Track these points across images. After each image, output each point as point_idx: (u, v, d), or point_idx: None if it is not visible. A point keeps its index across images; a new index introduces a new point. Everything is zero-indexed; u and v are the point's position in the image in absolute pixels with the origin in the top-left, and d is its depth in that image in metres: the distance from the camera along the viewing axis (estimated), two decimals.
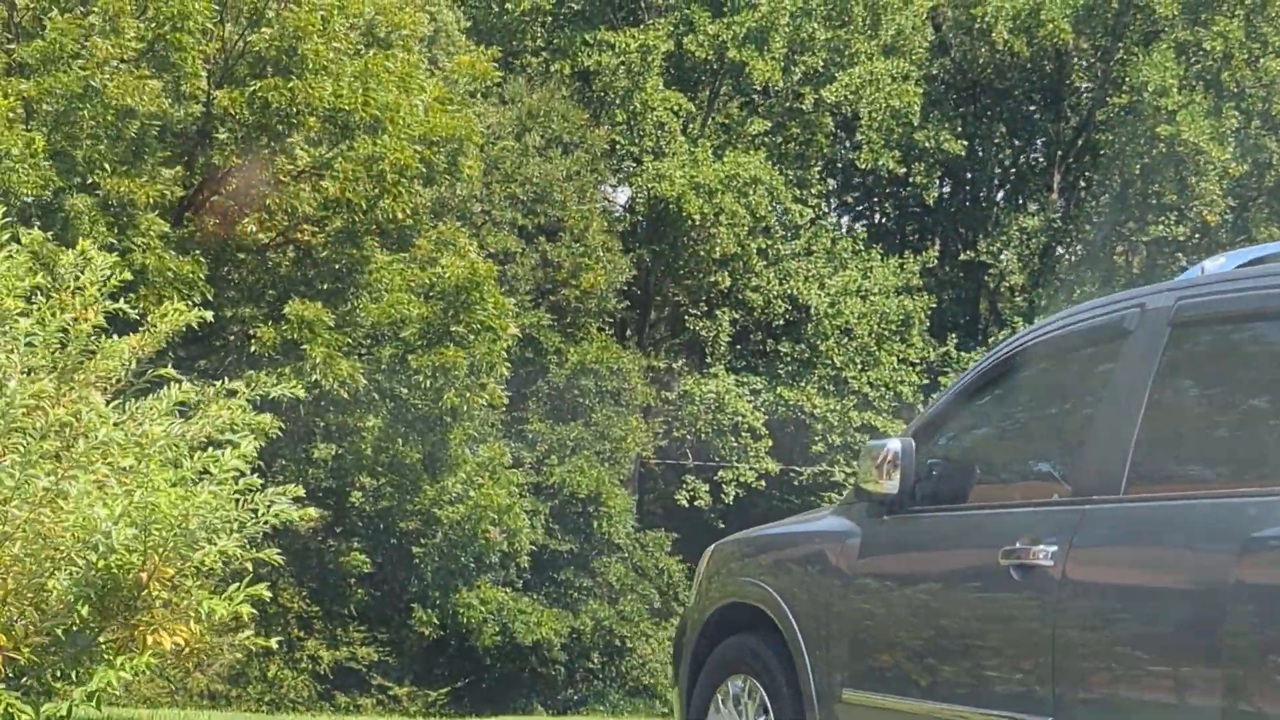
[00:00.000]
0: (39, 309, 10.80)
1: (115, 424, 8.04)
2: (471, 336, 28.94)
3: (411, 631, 33.88)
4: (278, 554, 8.06)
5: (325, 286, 28.70)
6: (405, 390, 29.04)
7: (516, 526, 31.86)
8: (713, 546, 8.38)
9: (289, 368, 25.57)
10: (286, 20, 27.45)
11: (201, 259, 26.93)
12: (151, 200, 26.01)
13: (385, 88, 28.33)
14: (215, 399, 10.52)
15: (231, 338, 30.00)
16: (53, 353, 10.58)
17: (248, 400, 10.72)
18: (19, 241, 11.36)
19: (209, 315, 11.25)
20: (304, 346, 26.80)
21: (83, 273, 11.41)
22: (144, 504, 7.62)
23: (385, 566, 33.49)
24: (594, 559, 37.60)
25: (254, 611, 7.77)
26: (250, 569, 8.06)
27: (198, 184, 29.43)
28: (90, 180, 25.87)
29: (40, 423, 7.84)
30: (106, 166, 26.01)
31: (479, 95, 37.67)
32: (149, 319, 11.63)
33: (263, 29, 27.92)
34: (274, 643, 8.61)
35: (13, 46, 26.92)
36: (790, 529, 8.13)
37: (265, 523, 8.14)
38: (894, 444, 6.87)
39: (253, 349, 27.35)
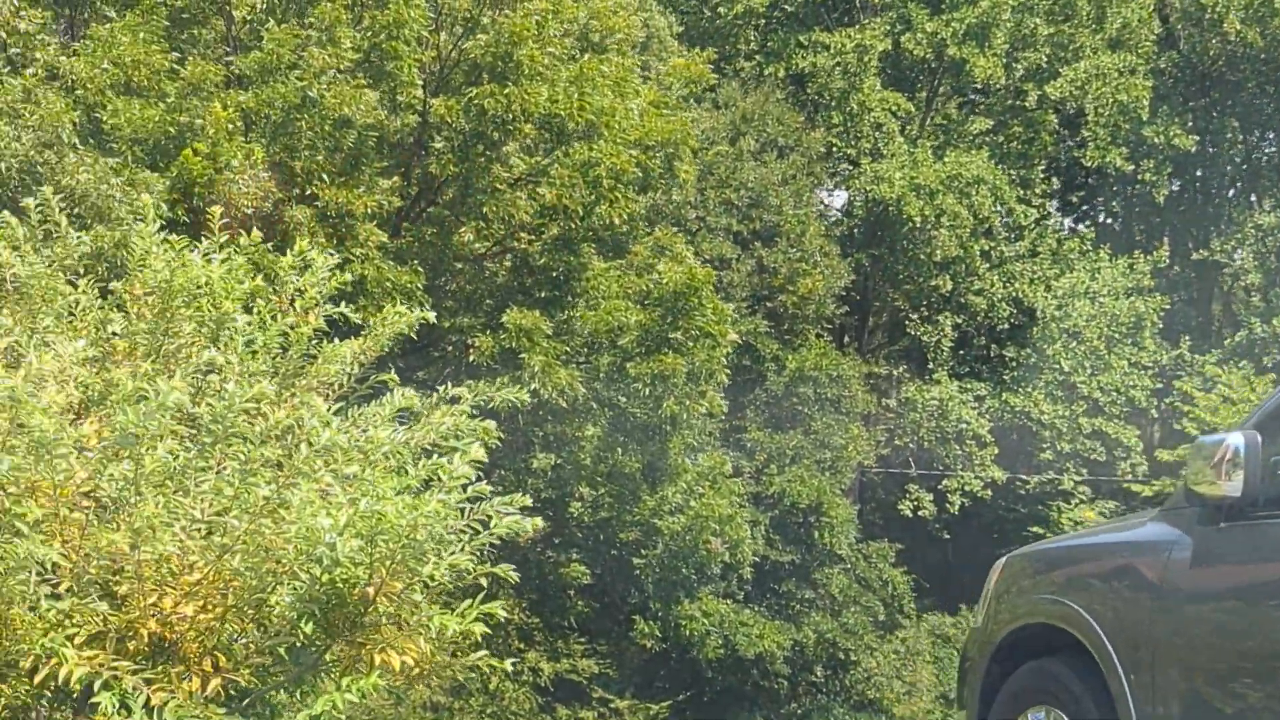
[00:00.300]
0: (258, 313, 10.41)
1: (338, 429, 7.51)
2: (690, 343, 28.32)
3: (632, 644, 33.40)
4: (512, 570, 7.47)
5: (543, 294, 28.35)
6: (624, 399, 28.53)
7: (739, 537, 31.17)
8: (1003, 560, 7.49)
9: (507, 377, 25.16)
10: (501, 26, 27.16)
11: (420, 269, 26.74)
12: (369, 210, 25.86)
13: (600, 92, 27.92)
14: (437, 405, 10.03)
15: (449, 348, 29.82)
16: (273, 358, 10.17)
17: (470, 408, 10.21)
18: (238, 246, 10.98)
19: (432, 316, 10.76)
20: (522, 355, 26.46)
21: (301, 275, 11.01)
22: (370, 513, 7.09)
23: (605, 578, 33.04)
24: (816, 570, 36.79)
25: (487, 630, 7.18)
26: (484, 584, 7.47)
27: (415, 194, 29.31)
28: (309, 191, 25.81)
29: (260, 427, 7.35)
30: (325, 177, 25.93)
31: (692, 100, 37.13)
32: (371, 323, 11.17)
33: (478, 36, 27.68)
34: (509, 664, 8.01)
35: (231, 58, 27.01)
36: (1099, 539, 7.21)
37: (495, 535, 7.56)
38: (1235, 439, 5.86)
39: (471, 358, 27.10)
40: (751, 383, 37.22)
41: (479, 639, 7.10)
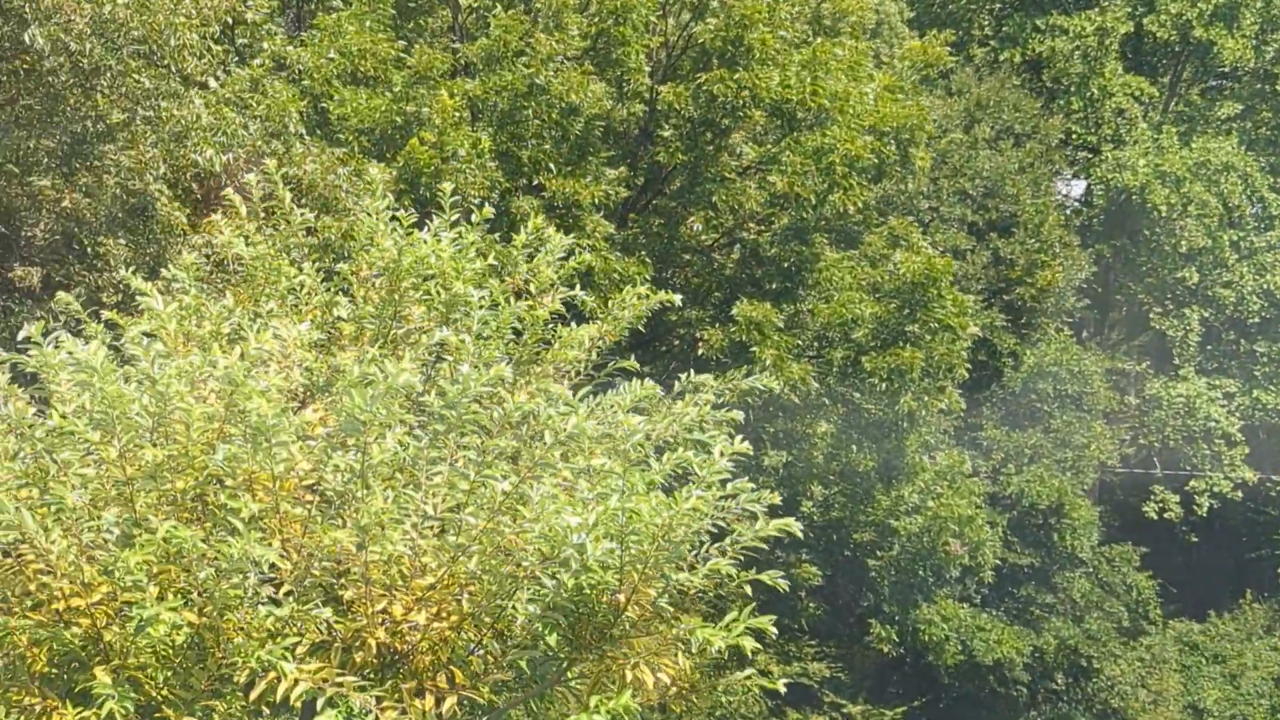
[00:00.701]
0: (490, 294, 9.68)
1: (585, 417, 6.69)
2: (928, 337, 27.12)
3: (866, 648, 32.29)
4: (780, 578, 6.58)
5: (773, 286, 27.39)
6: (858, 394, 27.45)
7: (979, 539, 29.88)
8: None
9: (738, 371, 24.33)
10: (732, 9, 26.29)
11: (647, 260, 26.00)
12: (596, 201, 25.18)
13: (834, 76, 26.90)
14: (679, 396, 9.20)
15: (677, 342, 29.03)
16: (506, 342, 9.42)
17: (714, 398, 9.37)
18: (469, 223, 10.28)
19: (677, 299, 9.91)
20: (753, 349, 25.55)
21: (536, 253, 10.26)
22: (621, 511, 6.26)
23: (837, 580, 31.97)
24: (1056, 574, 35.26)
25: (757, 645, 6.29)
26: (749, 592, 6.59)
27: (641, 184, 28.59)
28: (536, 181, 25.23)
29: (495, 414, 6.55)
30: (552, 167, 25.33)
31: (925, 87, 35.90)
32: (610, 304, 10.36)
33: (706, 20, 26.86)
34: (782, 685, 7.09)
35: (458, 46, 26.55)
36: None
37: (761, 536, 6.67)
38: None
39: (700, 352, 26.26)
40: (988, 378, 35.78)
41: (748, 654, 6.20)
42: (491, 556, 6.37)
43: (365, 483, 6.29)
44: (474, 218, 10.29)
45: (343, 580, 6.40)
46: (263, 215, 10.33)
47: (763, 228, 28.03)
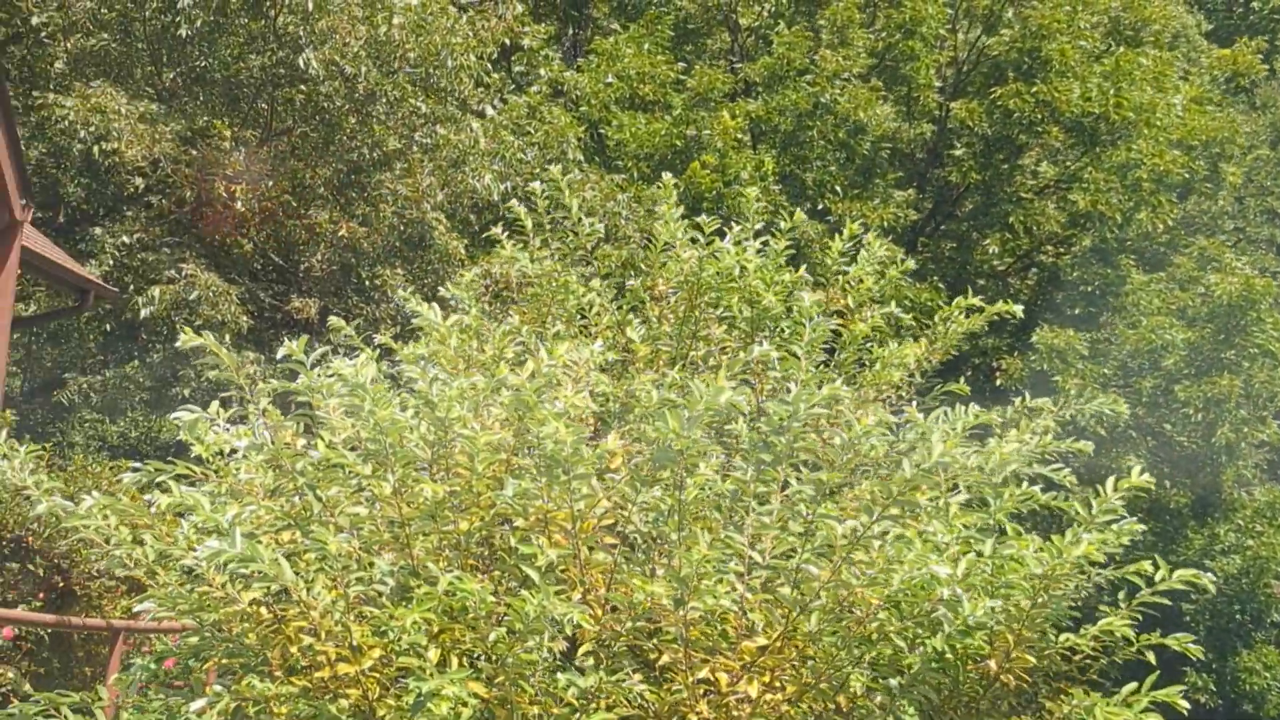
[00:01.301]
0: (799, 309, 8.57)
1: (954, 443, 5.50)
2: (1246, 363, 25.15)
3: (1179, 697, 30.14)
4: (1191, 642, 5.31)
5: (1076, 311, 25.75)
6: (1169, 425, 25.57)
7: None
8: None
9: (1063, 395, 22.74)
10: (1028, 20, 24.86)
11: (939, 285, 24.64)
12: (884, 224, 23.95)
13: (1138, 87, 25.23)
14: (1011, 423, 7.97)
15: (971, 371, 27.55)
16: (817, 363, 8.27)
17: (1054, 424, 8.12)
18: (778, 230, 9.18)
19: (1018, 310, 8.66)
20: (1055, 378, 23.97)
21: (853, 263, 9.12)
22: (996, 559, 5.07)
23: (1146, 623, 29.92)
24: None
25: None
26: (1150, 659, 5.33)
27: (930, 206, 27.26)
28: (820, 205, 24.11)
29: (839, 439, 5.40)
30: (838, 189, 24.19)
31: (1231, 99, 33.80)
32: (936, 317, 9.15)
33: (1000, 31, 25.47)
34: None
35: (739, 66, 25.59)
36: None
37: (1162, 589, 5.41)
38: None
39: (998, 382, 24.79)
40: None
41: None
42: (833, 614, 5.22)
43: (681, 523, 5.21)
44: (781, 224, 9.20)
45: (653, 641, 5.32)
46: (549, 227, 9.40)
47: (1062, 249, 26.46)
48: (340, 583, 5.18)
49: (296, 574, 5.05)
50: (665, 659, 5.20)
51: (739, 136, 23.70)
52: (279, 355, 5.80)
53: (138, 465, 5.66)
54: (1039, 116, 24.72)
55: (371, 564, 5.34)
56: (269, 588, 5.20)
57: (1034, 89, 24.45)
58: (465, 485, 5.54)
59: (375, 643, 4.96)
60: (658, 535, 5.58)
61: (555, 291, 9.20)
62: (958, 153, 26.04)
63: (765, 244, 9.13)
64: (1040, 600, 5.23)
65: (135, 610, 5.80)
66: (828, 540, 5.30)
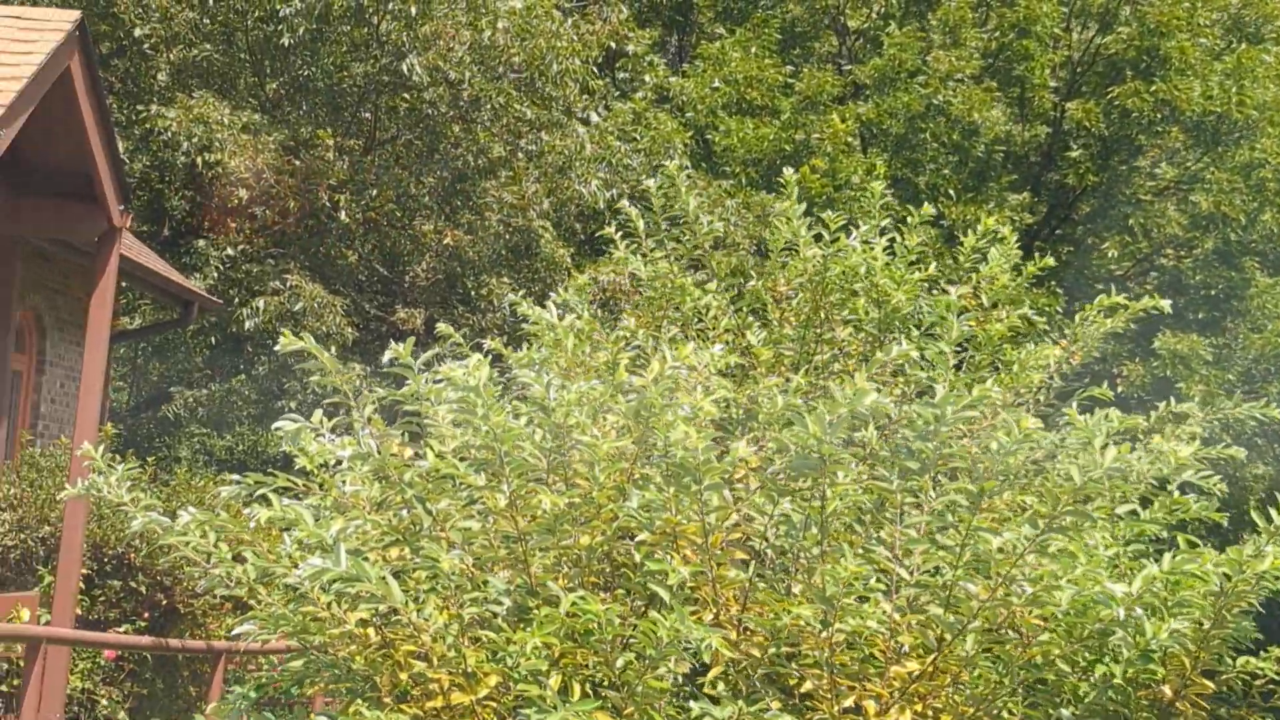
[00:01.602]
0: (933, 306, 8.09)
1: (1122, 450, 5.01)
2: None
3: None
4: None
5: (1199, 316, 25.00)
6: None
7: None
8: None
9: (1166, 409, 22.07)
10: (1145, 16, 24.16)
11: (1057, 291, 23.98)
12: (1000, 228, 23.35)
13: (1261, 85, 24.46)
14: (1155, 429, 7.43)
15: (1089, 378, 26.85)
16: (951, 367, 7.78)
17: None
18: (904, 224, 8.71)
19: (1166, 305, 8.12)
20: (1179, 385, 23.26)
21: (984, 260, 8.62)
22: (1173, 574, 4.58)
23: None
24: None
25: None
26: None
27: (1046, 210, 26.60)
28: (933, 209, 23.56)
29: (996, 445, 4.92)
30: (951, 193, 23.62)
31: None
32: (1075, 318, 8.64)
33: (1117, 29, 24.79)
34: None
35: (849, 68, 25.09)
36: None
37: None
38: None
39: (1120, 389, 24.07)
40: None
41: None
42: (991, 636, 4.75)
43: (821, 536, 4.76)
44: (909, 220, 8.74)
45: (791, 666, 4.87)
46: (665, 227, 8.99)
47: (1184, 253, 25.71)
48: (453, 603, 4.77)
49: (405, 593, 4.65)
50: (807, 685, 4.75)
51: (849, 140, 23.20)
52: (385, 359, 5.41)
53: (236, 478, 5.28)
54: (1158, 116, 24.03)
55: (485, 582, 4.94)
56: (377, 608, 4.81)
57: (1153, 88, 23.76)
58: (585, 496, 5.12)
59: (491, 669, 4.55)
60: (791, 549, 5.13)
61: (670, 294, 8.80)
62: (1074, 154, 25.38)
63: (892, 241, 8.68)
64: (1221, 619, 4.73)
65: (234, 633, 5.43)
66: (982, 555, 4.84)
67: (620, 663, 4.41)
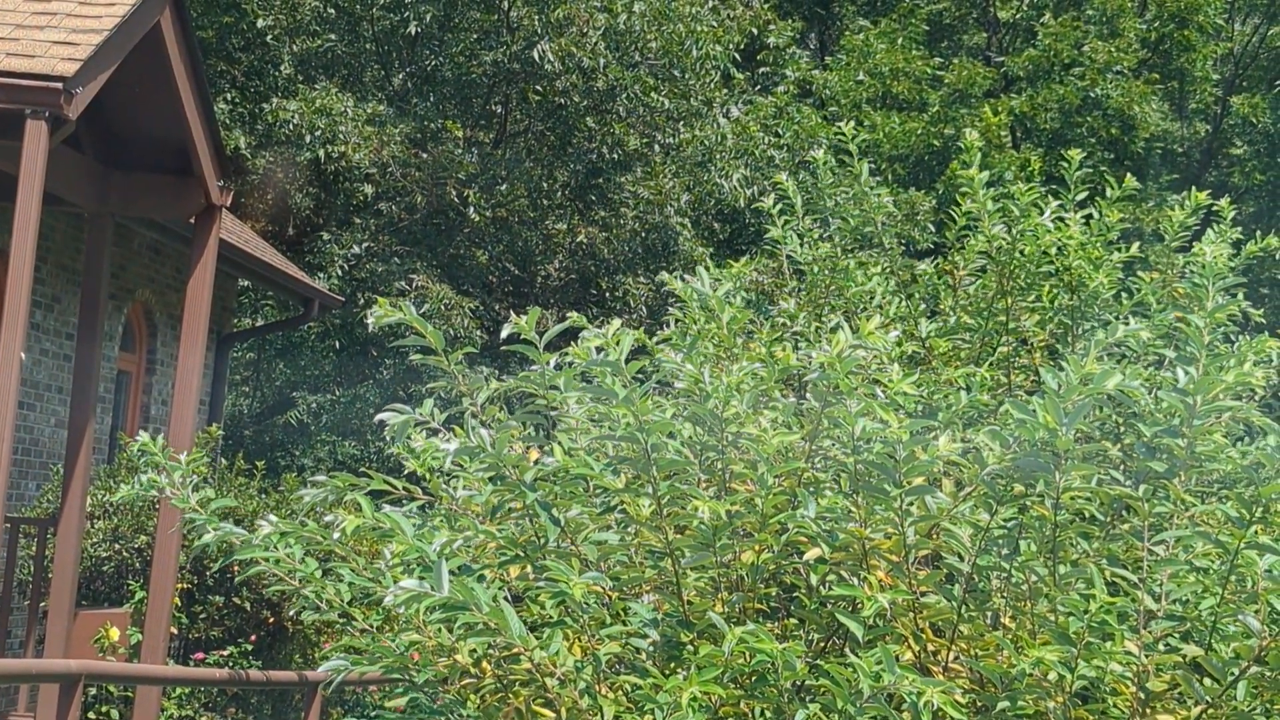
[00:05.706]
0: (1138, 292, 7.15)
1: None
2: None
3: None
4: None
5: None
6: None
7: None
8: None
9: None
10: None
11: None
12: (1158, 228, 22.15)
13: None
14: None
15: None
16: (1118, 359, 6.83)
17: None
18: (1102, 199, 7.74)
19: None
20: None
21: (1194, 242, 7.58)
22: None
23: None
24: None
25: None
26: None
27: (1207, 210, 25.27)
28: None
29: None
30: (1109, 192, 22.39)
31: None
32: None
33: None
34: None
35: (1001, 60, 23.92)
36: None
37: None
38: None
39: None
40: None
41: None
42: (1271, 683, 3.71)
43: (1052, 557, 3.74)
44: (1108, 193, 7.72)
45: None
46: (833, 205, 8.10)
47: None
48: (586, 635, 3.80)
49: (527, 624, 3.69)
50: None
51: (1001, 134, 22.04)
52: (503, 334, 4.47)
53: (320, 479, 4.34)
54: None
55: (626, 609, 3.97)
56: (492, 639, 3.84)
57: None
58: (748, 503, 4.13)
59: None
60: (992, 568, 4.12)
61: (833, 278, 7.87)
62: (1238, 151, 24.05)
63: (1088, 218, 7.68)
64: None
65: (322, 669, 4.50)
66: (1251, 576, 3.80)
67: (801, 717, 3.41)
